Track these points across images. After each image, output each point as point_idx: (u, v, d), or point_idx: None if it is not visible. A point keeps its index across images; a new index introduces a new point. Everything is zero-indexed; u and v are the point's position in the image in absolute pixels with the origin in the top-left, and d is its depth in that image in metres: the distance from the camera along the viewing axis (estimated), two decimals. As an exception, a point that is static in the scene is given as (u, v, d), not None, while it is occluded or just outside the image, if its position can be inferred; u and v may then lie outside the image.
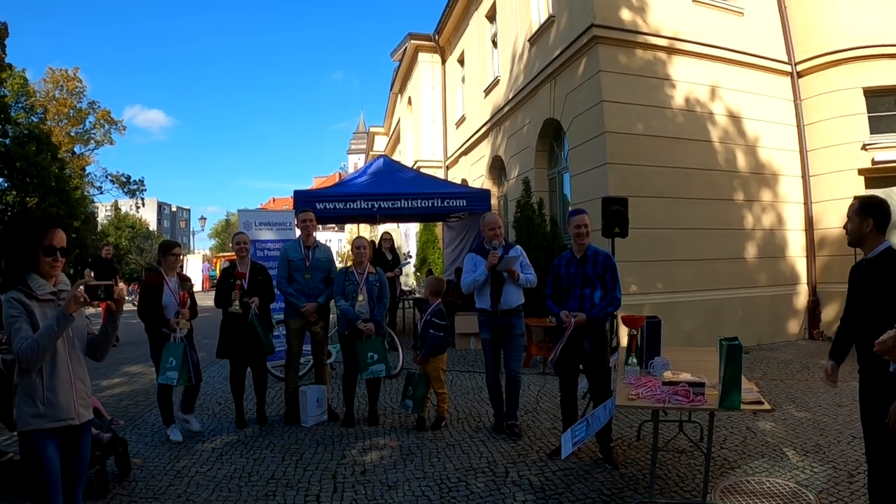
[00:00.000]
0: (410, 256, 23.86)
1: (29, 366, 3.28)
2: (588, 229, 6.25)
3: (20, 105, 40.00)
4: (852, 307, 4.30)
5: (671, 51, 12.58)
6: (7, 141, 35.58)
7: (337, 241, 68.06)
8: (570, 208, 13.25)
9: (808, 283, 13.72)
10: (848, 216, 4.19)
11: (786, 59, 13.86)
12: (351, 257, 8.00)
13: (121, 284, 3.56)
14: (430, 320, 7.45)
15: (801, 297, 13.67)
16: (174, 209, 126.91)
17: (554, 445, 6.51)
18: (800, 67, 13.76)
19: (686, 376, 4.68)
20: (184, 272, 8.03)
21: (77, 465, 3.58)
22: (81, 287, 3.23)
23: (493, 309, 7.06)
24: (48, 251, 3.41)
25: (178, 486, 5.74)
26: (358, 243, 7.86)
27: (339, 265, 8.29)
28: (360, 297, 7.56)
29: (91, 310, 3.72)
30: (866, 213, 4.07)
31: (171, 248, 7.39)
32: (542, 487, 5.50)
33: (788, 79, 13.92)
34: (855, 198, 4.28)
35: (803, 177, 13.80)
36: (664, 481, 5.49)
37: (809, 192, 13.70)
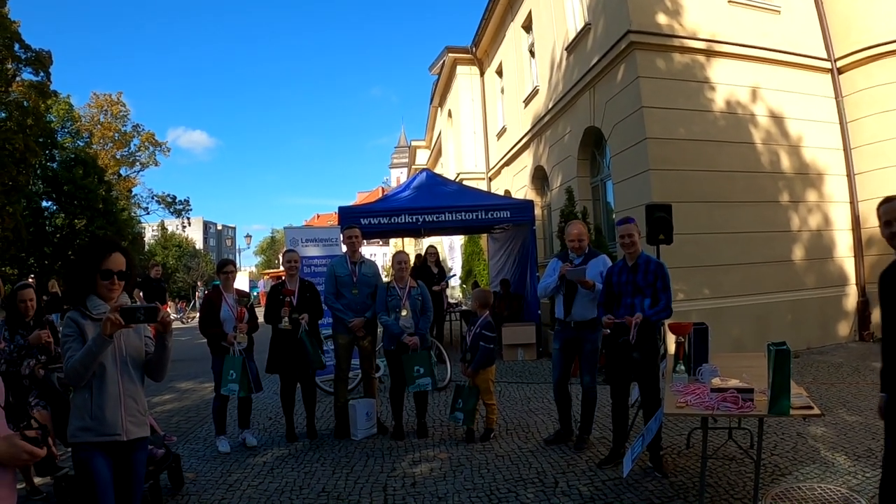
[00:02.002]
0: (455, 272, 23.87)
1: (74, 383, 3.46)
2: (633, 238, 6.17)
3: (66, 130, 41.02)
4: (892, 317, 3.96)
5: (709, 53, 12.47)
6: (55, 165, 36.43)
7: (382, 255, 68.41)
8: (614, 216, 13.25)
9: (857, 284, 13.47)
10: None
11: (825, 56, 13.64)
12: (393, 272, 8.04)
13: (168, 304, 3.63)
14: (480, 332, 7.44)
15: (851, 299, 13.42)
16: (219, 228, 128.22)
17: (603, 455, 6.49)
18: (840, 64, 13.53)
19: (734, 382, 4.66)
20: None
21: (131, 481, 3.66)
22: (117, 310, 3.30)
23: (565, 319, 6.97)
24: (105, 275, 3.53)
25: (231, 499, 5.83)
26: (399, 258, 7.91)
27: (385, 279, 8.33)
28: (404, 312, 7.60)
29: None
30: None
31: (223, 266, 7.83)
32: (591, 497, 5.49)
33: (829, 76, 13.69)
34: (891, 199, 4.04)
35: (848, 175, 13.57)
36: (714, 489, 5.44)
37: (855, 190, 13.45)
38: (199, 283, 42.22)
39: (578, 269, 6.69)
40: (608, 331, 6.23)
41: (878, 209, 4.03)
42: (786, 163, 13.03)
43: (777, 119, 13.02)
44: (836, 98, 13.62)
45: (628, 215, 7.06)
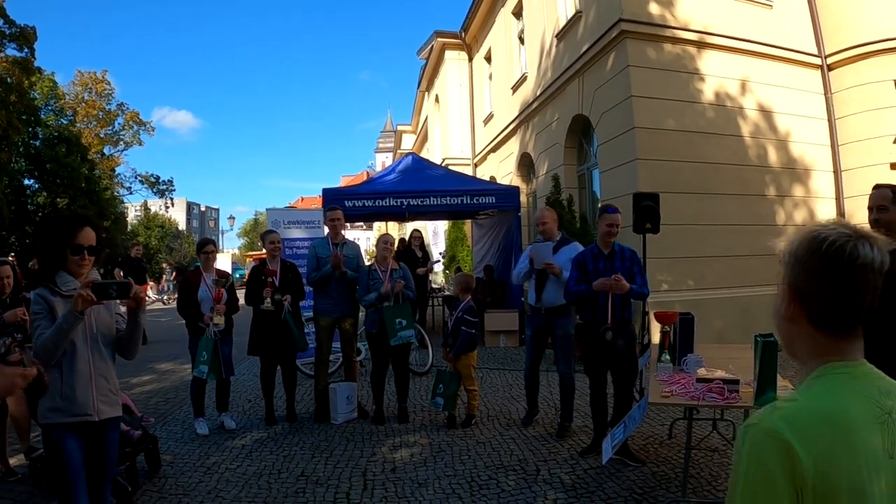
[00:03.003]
0: (443, 255, 23.84)
1: (44, 362, 3.31)
2: (619, 228, 6.24)
3: (50, 108, 40.53)
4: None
5: (700, 45, 12.43)
6: (37, 143, 36.06)
7: (365, 239, 68.18)
8: (604, 205, 13.18)
9: (840, 280, 13.49)
10: (881, 205, 3.91)
11: (815, 52, 13.60)
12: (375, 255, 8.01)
13: (148, 284, 3.55)
14: (463, 317, 7.44)
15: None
16: (203, 209, 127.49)
17: (585, 444, 6.47)
18: (830, 60, 13.50)
19: (720, 373, 4.63)
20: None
21: (103, 461, 3.61)
22: (88, 286, 3.22)
23: (536, 305, 7.03)
24: (75, 250, 3.44)
25: (208, 482, 5.78)
26: (385, 238, 7.90)
27: (367, 263, 8.28)
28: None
29: (124, 308, 3.75)
30: None
31: (203, 246, 7.77)
32: (573, 486, 5.47)
33: (818, 72, 13.66)
34: (879, 186, 4.05)
35: (835, 171, 13.58)
36: (696, 480, 5.43)
37: (841, 187, 13.46)
38: (164, 266, 41.71)
39: (544, 247, 6.80)
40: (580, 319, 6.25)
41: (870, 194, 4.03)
42: (773, 157, 13.03)
43: (766, 113, 13.01)
44: (825, 94, 13.60)
45: (610, 204, 7.09)
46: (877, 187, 4.01)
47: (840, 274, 1.36)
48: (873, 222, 3.96)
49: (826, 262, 1.37)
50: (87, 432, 3.48)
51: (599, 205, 13.51)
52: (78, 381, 3.41)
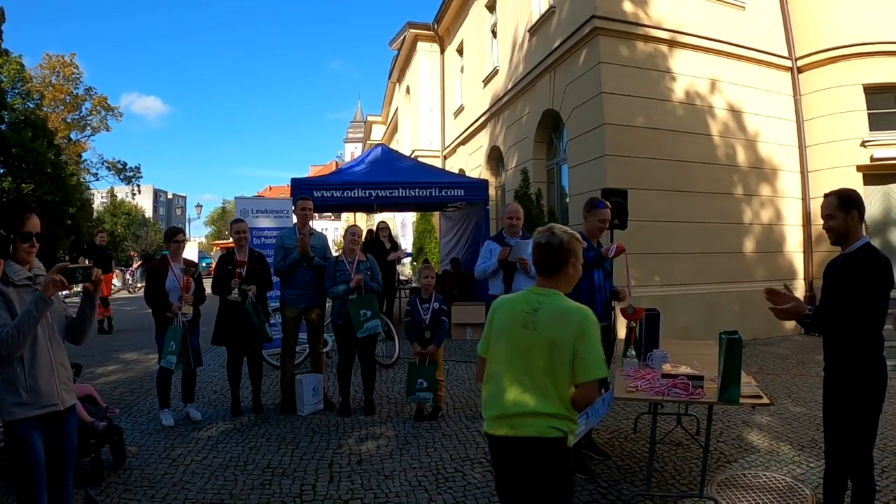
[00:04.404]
0: (410, 255, 23.83)
1: (10, 353, 3.26)
2: (609, 223, 6.43)
3: (16, 91, 39.73)
4: (825, 304, 4.12)
5: (672, 44, 12.52)
6: (3, 127, 35.41)
7: (333, 229, 67.93)
8: (568, 200, 13.25)
9: (804, 279, 13.71)
10: (829, 213, 4.01)
11: (786, 55, 13.79)
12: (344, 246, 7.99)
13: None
14: (441, 308, 7.53)
15: (798, 293, 13.49)
16: (170, 196, 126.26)
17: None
18: (800, 63, 13.70)
19: (685, 369, 4.68)
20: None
21: (64, 450, 3.58)
22: (60, 271, 3.21)
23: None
24: (25, 237, 3.40)
25: (174, 474, 5.73)
26: (352, 230, 7.83)
27: (335, 253, 8.24)
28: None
29: (74, 298, 3.74)
30: (850, 206, 3.94)
31: (173, 236, 7.61)
32: (538, 479, 5.48)
33: (788, 74, 13.86)
34: (826, 195, 4.14)
35: (802, 172, 13.78)
36: (661, 474, 5.48)
37: (808, 187, 13.66)
38: (132, 254, 41.04)
39: (524, 244, 6.80)
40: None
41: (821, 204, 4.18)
42: (742, 156, 13.18)
43: (736, 113, 13.16)
44: (794, 96, 13.80)
45: (598, 199, 7.16)
46: (826, 196, 4.11)
47: (535, 247, 3.15)
48: (826, 230, 4.08)
49: (534, 243, 3.16)
50: (50, 423, 3.45)
51: (567, 200, 13.62)
52: (41, 373, 3.38)
